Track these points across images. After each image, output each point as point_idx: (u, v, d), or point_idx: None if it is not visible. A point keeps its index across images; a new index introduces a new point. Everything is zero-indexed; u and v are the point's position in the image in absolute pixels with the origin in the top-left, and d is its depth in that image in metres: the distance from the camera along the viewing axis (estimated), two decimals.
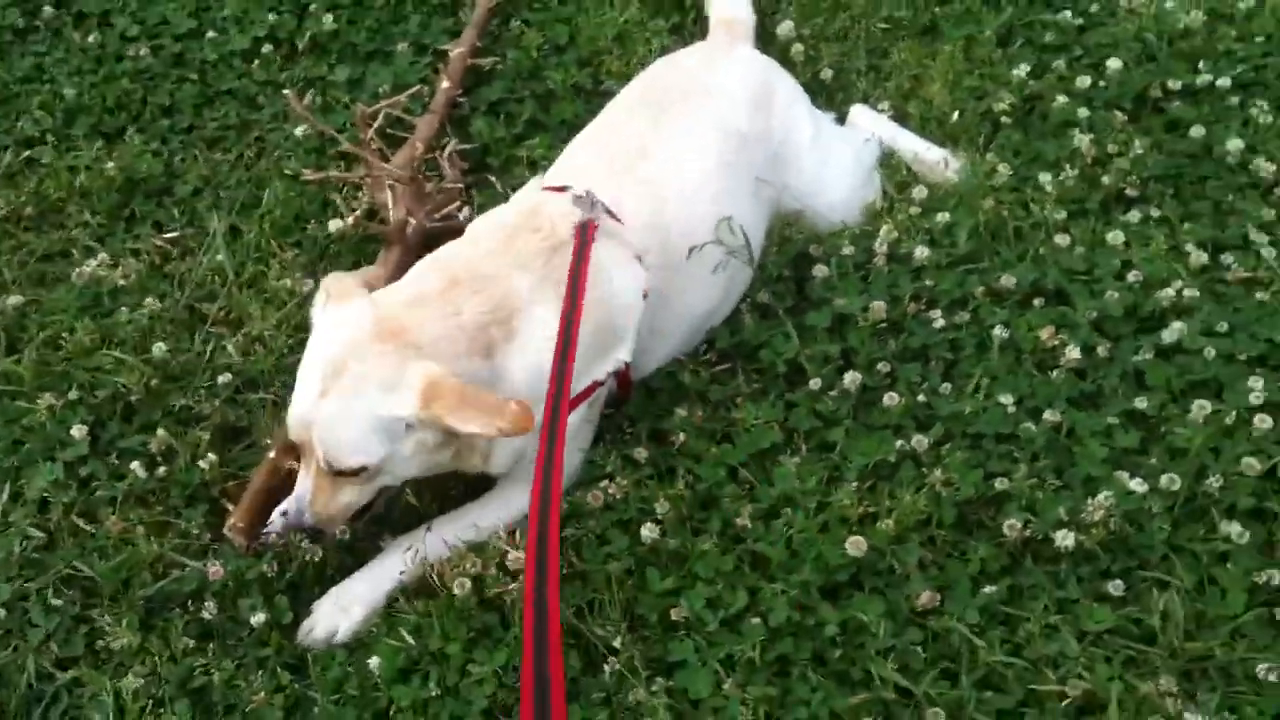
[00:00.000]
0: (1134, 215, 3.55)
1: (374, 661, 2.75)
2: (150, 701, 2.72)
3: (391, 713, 2.69)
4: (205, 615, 2.84)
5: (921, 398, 3.15)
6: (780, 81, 3.67)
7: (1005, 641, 2.73)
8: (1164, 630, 2.72)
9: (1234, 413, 3.02)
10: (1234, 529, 2.83)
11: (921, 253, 3.42)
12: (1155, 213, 3.56)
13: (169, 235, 3.67)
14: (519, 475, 3.01)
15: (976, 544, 2.89)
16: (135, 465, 3.09)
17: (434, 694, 2.71)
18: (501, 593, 2.83)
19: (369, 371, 2.71)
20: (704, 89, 3.47)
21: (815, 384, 3.19)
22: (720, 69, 3.57)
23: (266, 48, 4.15)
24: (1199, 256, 3.41)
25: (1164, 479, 2.91)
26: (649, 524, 2.91)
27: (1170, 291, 3.29)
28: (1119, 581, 2.80)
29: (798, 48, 4.05)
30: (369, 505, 2.92)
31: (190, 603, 2.89)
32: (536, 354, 2.85)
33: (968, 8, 4.21)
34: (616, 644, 2.77)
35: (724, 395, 3.23)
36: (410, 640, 2.79)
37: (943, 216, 3.52)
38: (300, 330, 3.38)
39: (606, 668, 2.74)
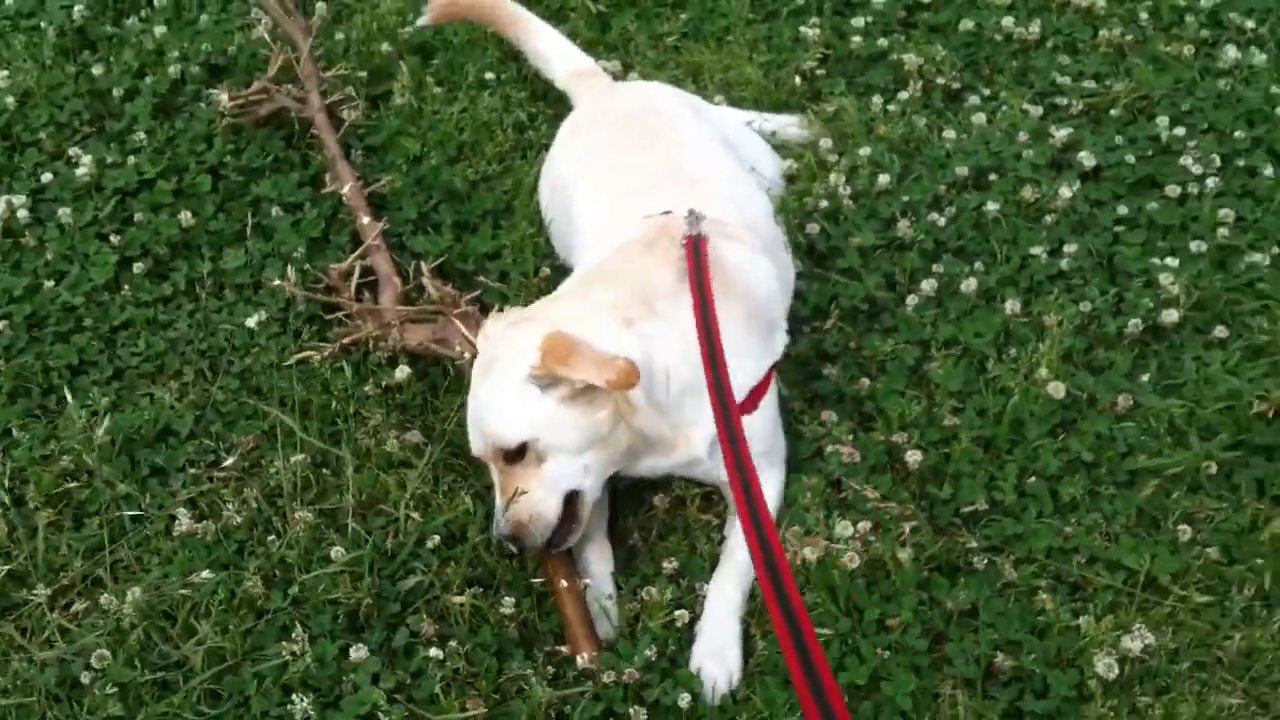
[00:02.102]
0: (973, 100, 4.27)
1: None
2: None
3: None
4: None
5: (972, 281, 3.64)
6: (685, 94, 4.01)
7: (1190, 401, 3.34)
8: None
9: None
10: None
11: (883, 179, 3.92)
12: (985, 92, 4.30)
13: (226, 465, 3.35)
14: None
15: (1111, 353, 3.46)
16: (432, 653, 2.91)
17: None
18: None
19: (504, 352, 2.94)
20: (665, 114, 3.76)
21: (911, 300, 3.60)
22: (653, 97, 3.86)
23: (137, 267, 3.83)
24: (1036, 110, 4.19)
25: (1192, 245, 3.68)
26: (911, 451, 3.21)
27: (1061, 133, 4.02)
28: (1221, 327, 3.50)
29: (634, 74, 4.37)
30: (572, 515, 2.98)
31: None
32: (687, 328, 2.99)
33: (706, 8, 4.72)
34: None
35: (839, 346, 3.55)
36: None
37: (864, 151, 4.02)
38: (450, 469, 3.34)
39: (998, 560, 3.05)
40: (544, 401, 2.89)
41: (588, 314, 2.99)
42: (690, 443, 3.08)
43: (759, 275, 3.28)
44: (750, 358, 3.10)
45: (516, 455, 2.93)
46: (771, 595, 2.34)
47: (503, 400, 2.93)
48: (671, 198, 3.34)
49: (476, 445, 3.02)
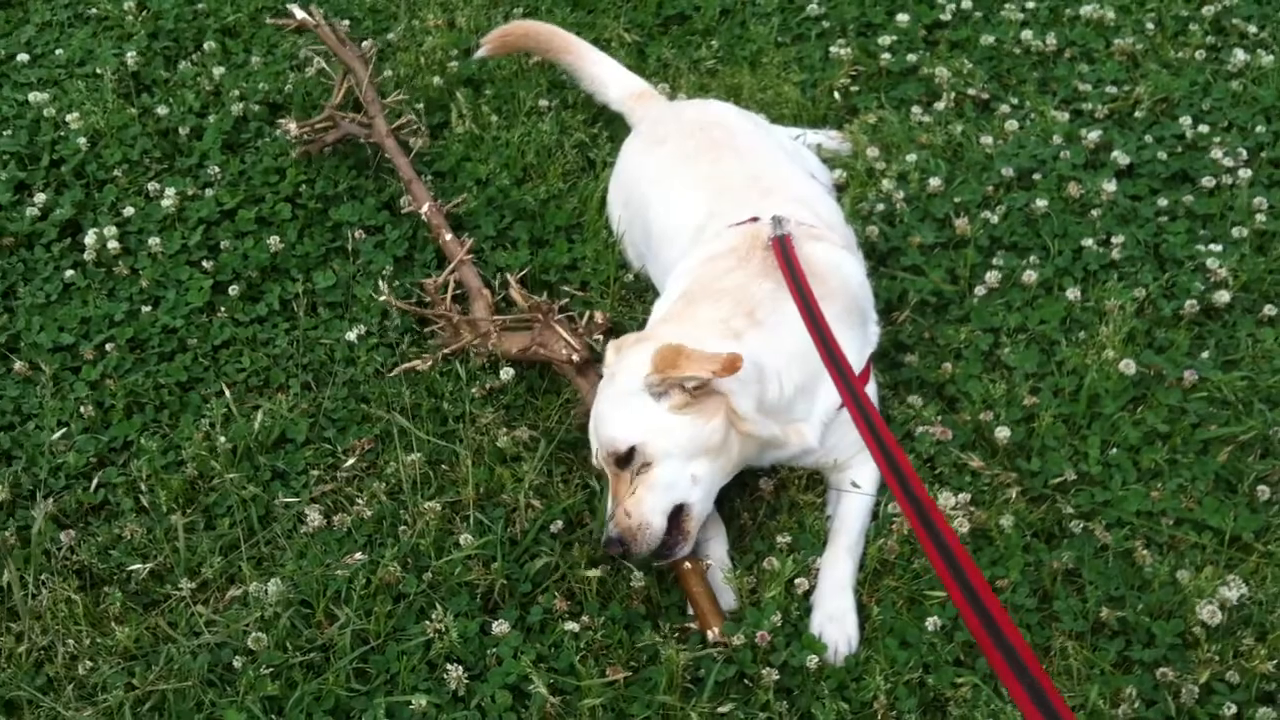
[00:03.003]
0: (1004, 108, 4.52)
1: None
2: None
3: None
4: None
5: (1032, 272, 3.87)
6: (743, 110, 4.23)
7: (1250, 373, 3.58)
8: None
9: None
10: None
11: (933, 183, 4.15)
12: (1014, 101, 4.56)
13: (346, 466, 3.51)
14: (852, 449, 3.39)
15: (1171, 333, 3.70)
16: (568, 626, 3.07)
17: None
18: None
19: (621, 369, 3.17)
20: (730, 127, 3.96)
21: (979, 291, 3.83)
22: (716, 112, 4.06)
23: (232, 290, 3.97)
24: (1063, 115, 4.45)
25: (1233, 231, 3.93)
26: (1000, 428, 3.42)
27: (1091, 135, 4.28)
28: (1269, 306, 3.74)
29: (681, 95, 4.59)
30: (679, 528, 3.12)
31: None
32: (789, 334, 3.21)
33: (735, 34, 4.96)
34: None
35: (915, 337, 3.76)
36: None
37: (910, 158, 4.26)
38: (560, 462, 3.52)
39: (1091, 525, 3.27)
40: (655, 408, 3.09)
41: (697, 332, 3.18)
42: (802, 436, 3.28)
43: (848, 270, 3.48)
44: (852, 350, 3.28)
45: (626, 459, 3.10)
46: (920, 526, 2.45)
47: (616, 407, 3.14)
48: (749, 205, 3.55)
49: (595, 454, 3.21)
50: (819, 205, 3.70)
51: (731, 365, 3.01)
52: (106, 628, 3.20)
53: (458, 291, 3.87)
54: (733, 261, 3.38)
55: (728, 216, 3.55)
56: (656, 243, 3.79)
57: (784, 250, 3.31)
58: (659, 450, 3.09)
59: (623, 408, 3.13)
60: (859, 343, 3.40)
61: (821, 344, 3.09)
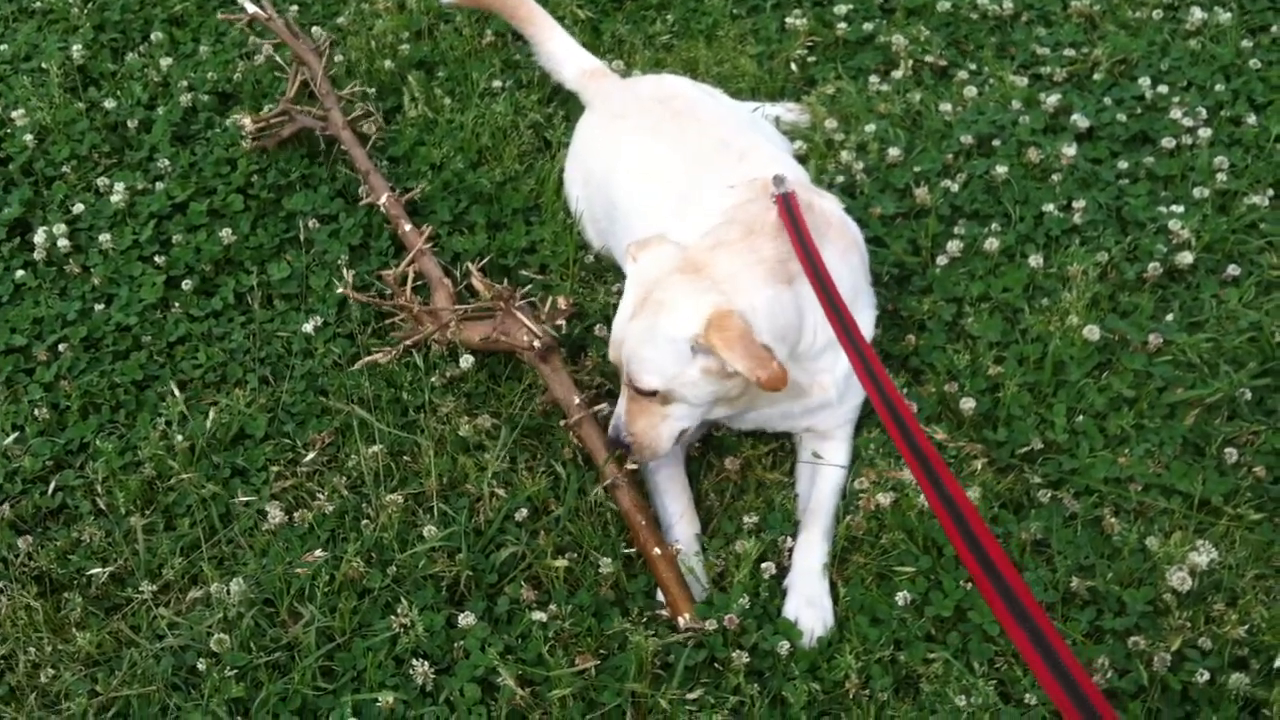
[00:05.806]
0: (962, 75, 4.48)
1: None
2: None
3: None
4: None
5: (994, 240, 3.84)
6: (698, 83, 4.17)
7: (1215, 335, 3.56)
8: None
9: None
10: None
11: (892, 153, 4.11)
12: (972, 67, 4.52)
13: (306, 461, 3.46)
14: (836, 431, 3.39)
15: (1134, 297, 3.67)
16: (536, 616, 3.04)
17: None
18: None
19: (667, 298, 3.04)
20: (690, 98, 3.88)
21: (941, 261, 3.79)
22: (672, 85, 4.00)
23: (185, 284, 3.91)
24: (1022, 80, 4.41)
25: (1195, 192, 3.90)
26: (965, 399, 3.39)
27: (1050, 99, 4.25)
28: (1233, 266, 3.73)
29: (635, 72, 4.54)
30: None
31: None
32: (835, 282, 3.11)
33: (690, 7, 4.91)
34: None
35: (882, 307, 3.71)
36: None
37: (869, 128, 4.22)
38: (525, 449, 3.48)
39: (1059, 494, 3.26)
40: (690, 364, 3.01)
41: (752, 266, 3.09)
42: (824, 388, 3.26)
43: (853, 228, 3.46)
44: (869, 310, 3.32)
45: (648, 392, 3.07)
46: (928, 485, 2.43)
47: (654, 347, 3.02)
48: (727, 169, 3.48)
49: (614, 355, 3.15)
50: (791, 168, 3.64)
51: (776, 383, 2.94)
52: (67, 634, 3.15)
53: (418, 283, 3.81)
54: (760, 206, 3.26)
55: (711, 181, 3.47)
56: (624, 216, 3.72)
57: (788, 207, 3.21)
58: (680, 398, 3.08)
59: (659, 351, 3.02)
60: (872, 302, 3.40)
61: (824, 295, 3.02)
